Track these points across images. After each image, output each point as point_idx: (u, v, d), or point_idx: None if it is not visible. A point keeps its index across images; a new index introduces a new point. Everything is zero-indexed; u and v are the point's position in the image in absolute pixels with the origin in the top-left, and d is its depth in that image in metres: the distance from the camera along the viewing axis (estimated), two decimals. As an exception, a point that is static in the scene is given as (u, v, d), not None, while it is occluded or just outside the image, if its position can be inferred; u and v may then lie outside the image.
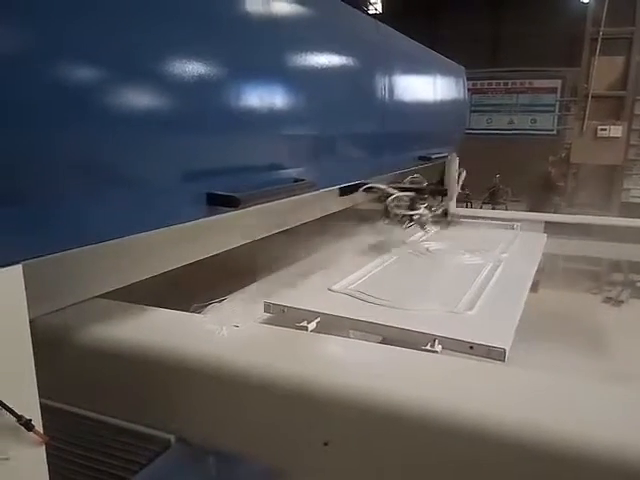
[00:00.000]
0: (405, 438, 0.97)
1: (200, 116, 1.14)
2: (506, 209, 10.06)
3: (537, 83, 13.66)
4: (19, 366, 0.80)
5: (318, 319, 1.43)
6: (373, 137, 2.16)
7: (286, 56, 1.43)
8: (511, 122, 14.10)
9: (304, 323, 1.40)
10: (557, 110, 12.74)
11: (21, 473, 0.81)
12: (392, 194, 2.01)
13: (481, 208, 10.10)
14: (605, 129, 6.93)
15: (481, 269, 1.94)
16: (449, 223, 2.18)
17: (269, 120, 1.36)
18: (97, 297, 1.38)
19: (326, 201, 1.88)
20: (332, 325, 1.43)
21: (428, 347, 1.25)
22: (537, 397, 0.98)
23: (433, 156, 3.04)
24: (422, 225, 2.11)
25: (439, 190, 2.24)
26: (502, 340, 1.27)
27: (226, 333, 1.22)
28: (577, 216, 3.35)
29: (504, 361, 1.22)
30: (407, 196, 2.07)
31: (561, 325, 1.81)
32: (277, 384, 1.05)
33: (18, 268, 0.77)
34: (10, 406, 0.75)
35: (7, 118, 0.73)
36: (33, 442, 0.80)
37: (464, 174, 2.23)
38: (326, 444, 1.01)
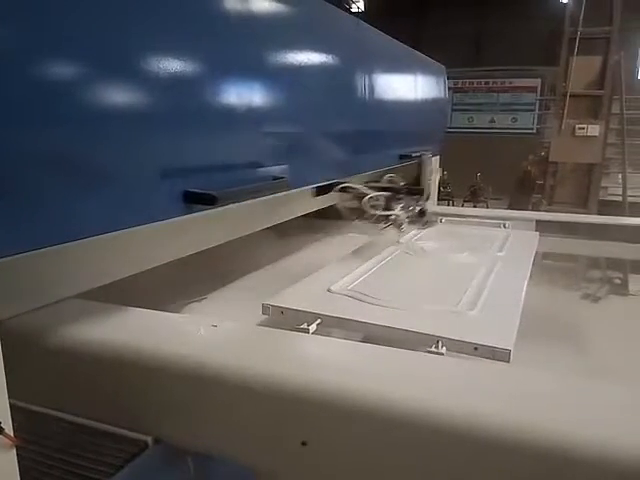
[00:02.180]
0: (385, 438, 0.97)
1: (177, 113, 1.13)
2: (487, 207, 10.16)
3: (517, 82, 13.82)
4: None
5: (319, 321, 1.40)
6: (353, 135, 2.16)
7: (263, 53, 1.42)
8: (492, 121, 14.24)
9: (304, 325, 1.37)
10: (537, 109, 12.89)
11: (-9, 477, 0.79)
12: (367, 194, 1.98)
13: (462, 206, 10.19)
14: (583, 128, 7.04)
15: (478, 268, 1.92)
16: (425, 223, 2.10)
17: (246, 117, 1.36)
18: (72, 297, 1.38)
19: (300, 201, 1.84)
20: (332, 327, 1.41)
21: (432, 349, 1.23)
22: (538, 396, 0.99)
23: (414, 154, 3.06)
24: (398, 226, 2.06)
25: (414, 189, 2.15)
26: (506, 341, 1.26)
27: (204, 333, 1.20)
28: (567, 214, 3.38)
29: (509, 362, 1.20)
30: (382, 196, 2.03)
31: (539, 320, 1.83)
32: (255, 384, 1.04)
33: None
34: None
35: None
36: (3, 445, 0.79)
37: (439, 174, 2.24)
38: (304, 444, 1.00)
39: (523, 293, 1.68)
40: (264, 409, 1.05)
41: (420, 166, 2.24)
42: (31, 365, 1.19)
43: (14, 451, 0.81)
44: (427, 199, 2.04)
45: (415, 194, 2.07)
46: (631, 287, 2.70)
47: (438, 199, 4.47)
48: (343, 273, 1.81)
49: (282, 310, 1.48)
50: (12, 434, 0.80)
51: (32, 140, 0.82)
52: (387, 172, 2.50)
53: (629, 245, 2.72)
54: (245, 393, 1.06)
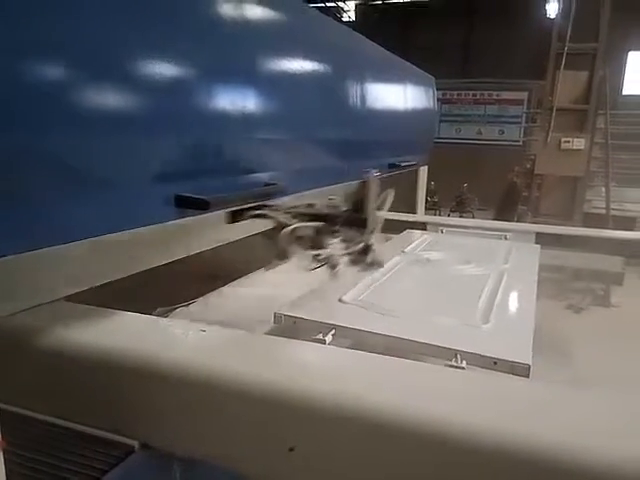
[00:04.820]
0: (373, 444, 0.97)
1: (172, 118, 1.13)
2: (473, 217, 10.23)
3: (504, 95, 13.98)
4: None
5: (333, 331, 1.39)
6: (341, 142, 2.17)
7: (253, 60, 1.43)
8: (479, 132, 14.39)
9: (320, 336, 1.36)
10: (523, 122, 13.05)
11: (-23, 479, 0.78)
12: (289, 225, 1.46)
13: (448, 216, 10.25)
14: (568, 141, 7.14)
15: (486, 280, 1.91)
16: (371, 264, 1.53)
17: (237, 123, 1.36)
18: (60, 299, 1.37)
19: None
20: (346, 337, 1.40)
21: (452, 362, 1.23)
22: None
23: (403, 164, 3.09)
24: (333, 267, 1.52)
25: (354, 219, 1.51)
26: (524, 355, 1.26)
27: (192, 337, 1.20)
28: (566, 227, 3.38)
29: (528, 377, 1.20)
30: (311, 227, 1.50)
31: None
32: (243, 389, 1.04)
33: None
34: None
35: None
36: (-10, 448, 0.78)
37: (391, 197, 1.59)
38: (292, 449, 1.01)
39: (534, 307, 1.67)
40: (252, 414, 1.05)
41: (364, 188, 1.52)
42: (16, 367, 1.19)
43: (1, 453, 0.81)
44: (372, 232, 1.50)
45: (355, 225, 1.50)
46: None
47: (425, 209, 4.50)
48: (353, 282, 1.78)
49: (295, 320, 1.46)
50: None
51: (24, 143, 0.82)
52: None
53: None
54: (233, 398, 1.06)
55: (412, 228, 2.96)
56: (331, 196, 1.66)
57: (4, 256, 0.82)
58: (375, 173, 1.47)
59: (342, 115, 2.13)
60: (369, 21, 13.31)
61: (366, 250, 1.51)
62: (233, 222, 1.50)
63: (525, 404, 1.00)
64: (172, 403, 1.11)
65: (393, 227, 3.04)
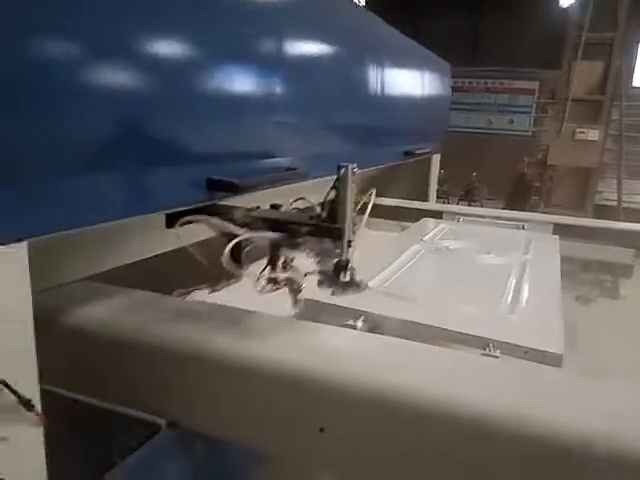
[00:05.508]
0: (403, 426, 0.99)
1: (207, 102, 1.13)
2: (482, 207, 10.19)
3: (516, 84, 13.83)
4: (21, 345, 0.79)
5: (362, 317, 1.39)
6: (359, 128, 2.15)
7: (261, 43, 1.39)
8: (489, 121, 14.26)
9: (351, 322, 1.35)
10: (533, 111, 12.92)
11: (20, 453, 0.80)
12: (236, 235, 1.14)
13: (457, 204, 10.21)
14: (583, 132, 7.08)
15: (509, 270, 1.91)
16: (346, 286, 1.21)
17: (257, 107, 1.35)
18: (85, 279, 1.38)
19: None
20: (374, 324, 1.39)
21: (487, 351, 1.24)
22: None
23: (418, 151, 3.07)
24: (295, 292, 1.25)
25: (325, 229, 1.15)
26: (556, 345, 1.27)
27: (222, 320, 1.21)
28: (584, 219, 3.34)
29: (560, 367, 1.21)
30: (267, 238, 1.18)
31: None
32: (273, 372, 1.06)
33: (23, 246, 0.76)
34: (11, 385, 0.74)
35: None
36: (32, 423, 0.80)
37: (373, 196, 1.25)
38: (322, 430, 1.02)
39: (560, 298, 1.68)
40: (283, 395, 1.06)
41: (337, 187, 1.15)
42: (45, 346, 1.20)
43: (42, 429, 0.82)
44: (349, 244, 1.15)
45: (327, 236, 1.16)
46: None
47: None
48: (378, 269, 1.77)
49: (323, 305, 1.45)
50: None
51: (56, 124, 0.82)
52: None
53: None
54: (263, 379, 1.07)
55: (426, 216, 2.95)
56: (301, 197, 1.37)
57: (47, 234, 0.82)
58: (353, 168, 1.13)
59: (360, 100, 2.12)
60: (379, 7, 13.17)
61: (341, 268, 1.18)
62: (168, 227, 1.20)
63: (563, 393, 1.01)
64: (202, 384, 1.12)
65: (409, 215, 3.04)
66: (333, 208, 1.14)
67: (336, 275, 1.19)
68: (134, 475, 1.08)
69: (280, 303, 1.29)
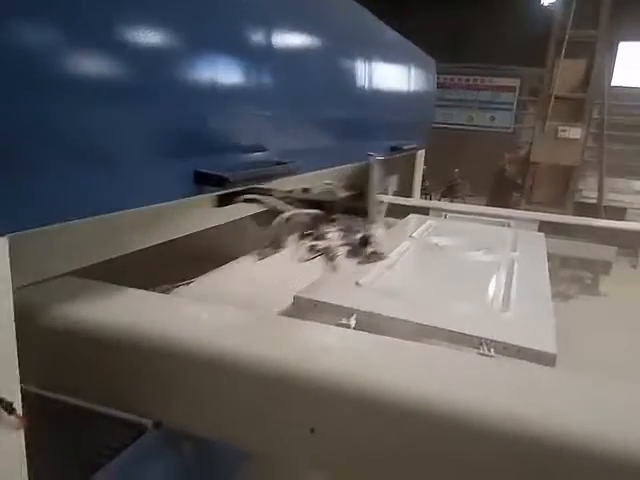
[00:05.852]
0: (395, 425, 0.97)
1: (191, 92, 1.09)
2: (464, 203, 10.25)
3: (497, 81, 13.93)
4: (1, 347, 0.75)
5: (354, 316, 1.38)
6: (345, 122, 2.12)
7: (243, 33, 1.35)
8: (470, 118, 14.35)
9: (344, 320, 1.35)
10: (515, 108, 13.03)
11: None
12: (283, 211, 1.35)
13: (439, 201, 10.27)
14: (565, 130, 7.12)
15: (498, 268, 1.91)
16: (370, 257, 1.43)
17: (249, 101, 1.32)
18: (66, 274, 1.33)
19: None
20: (367, 322, 1.38)
21: (482, 350, 1.23)
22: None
23: (404, 146, 3.06)
24: (331, 259, 1.40)
25: (354, 208, 1.41)
26: (549, 345, 1.27)
27: (207, 317, 1.18)
28: (570, 217, 3.40)
29: (554, 366, 1.21)
30: (308, 214, 1.39)
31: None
32: (262, 371, 1.03)
33: (4, 241, 0.72)
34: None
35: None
36: (12, 426, 0.76)
37: (395, 183, 1.47)
38: (312, 430, 1.00)
39: (550, 297, 1.68)
40: (273, 395, 1.03)
41: (366, 173, 1.41)
42: (26, 345, 1.16)
43: (22, 432, 0.79)
44: (372, 221, 1.39)
45: (355, 214, 1.40)
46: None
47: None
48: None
49: (315, 303, 1.44)
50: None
51: (41, 116, 0.78)
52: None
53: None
54: (253, 379, 1.04)
55: (413, 212, 2.94)
56: (327, 181, 1.56)
57: (29, 229, 0.78)
58: (378, 157, 1.37)
59: (347, 94, 2.09)
60: (359, 2, 13.14)
61: (366, 241, 1.41)
62: (221, 206, 1.36)
63: (557, 393, 1.01)
64: (188, 383, 1.09)
65: (394, 211, 3.03)
66: (359, 190, 1.39)
67: (362, 247, 1.41)
68: (120, 477, 1.05)
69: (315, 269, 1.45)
